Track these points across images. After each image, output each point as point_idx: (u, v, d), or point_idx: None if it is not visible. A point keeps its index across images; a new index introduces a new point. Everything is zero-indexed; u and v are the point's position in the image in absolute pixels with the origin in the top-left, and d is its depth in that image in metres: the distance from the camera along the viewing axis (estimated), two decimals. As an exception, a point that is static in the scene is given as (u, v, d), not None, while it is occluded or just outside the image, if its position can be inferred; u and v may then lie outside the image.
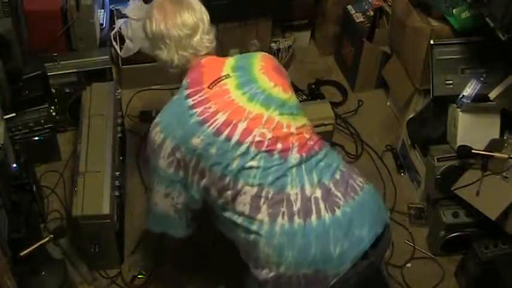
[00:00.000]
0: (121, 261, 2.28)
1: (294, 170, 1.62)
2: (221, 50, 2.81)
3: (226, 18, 2.74)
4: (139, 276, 2.23)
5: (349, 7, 2.92)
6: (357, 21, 2.87)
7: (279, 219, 1.58)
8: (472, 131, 2.27)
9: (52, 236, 1.93)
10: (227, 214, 1.68)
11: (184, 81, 1.76)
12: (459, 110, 2.27)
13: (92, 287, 2.22)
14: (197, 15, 1.77)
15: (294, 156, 1.63)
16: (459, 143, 2.24)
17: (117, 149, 2.33)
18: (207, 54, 1.79)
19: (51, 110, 2.52)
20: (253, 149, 1.62)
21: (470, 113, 2.27)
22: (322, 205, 1.59)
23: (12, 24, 2.27)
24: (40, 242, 1.88)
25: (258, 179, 1.61)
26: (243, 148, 1.62)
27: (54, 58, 2.56)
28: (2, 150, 1.90)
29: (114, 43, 2.89)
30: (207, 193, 1.70)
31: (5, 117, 2.11)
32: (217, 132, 1.63)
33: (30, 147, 2.38)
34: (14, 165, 2.07)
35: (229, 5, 2.69)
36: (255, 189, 1.61)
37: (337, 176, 1.65)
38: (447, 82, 2.29)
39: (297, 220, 1.57)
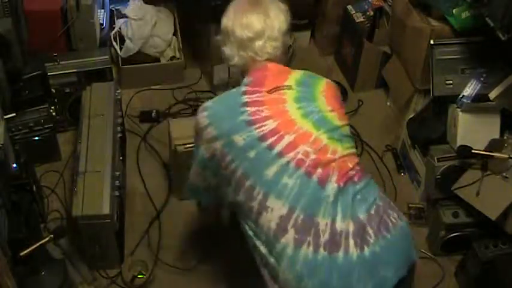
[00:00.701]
0: (121, 261, 2.28)
1: (329, 199, 1.55)
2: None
3: (226, 18, 2.74)
4: (139, 276, 2.23)
5: (349, 7, 2.92)
6: (357, 21, 2.87)
7: (304, 248, 1.52)
8: (472, 131, 2.27)
9: (52, 236, 1.93)
10: (250, 223, 1.63)
11: (246, 79, 1.74)
12: (459, 110, 2.27)
13: (92, 287, 2.22)
14: (268, 21, 1.74)
15: (331, 185, 1.56)
16: (459, 143, 2.24)
17: (117, 149, 2.33)
18: (268, 60, 1.76)
19: (51, 110, 2.52)
20: (292, 165, 1.57)
21: (470, 113, 2.27)
22: (351, 241, 1.52)
23: (12, 24, 2.27)
24: (40, 242, 1.88)
25: (291, 199, 1.55)
26: (282, 161, 1.57)
27: (54, 58, 2.57)
28: (2, 150, 1.90)
29: (114, 43, 2.89)
30: (235, 193, 1.66)
31: (5, 117, 2.11)
32: (262, 138, 1.59)
33: (30, 147, 2.39)
34: (14, 165, 2.07)
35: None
36: (285, 210, 1.54)
37: (372, 211, 1.58)
38: (447, 82, 2.29)
39: (322, 252, 1.51)
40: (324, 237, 1.52)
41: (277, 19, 1.76)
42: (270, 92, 1.67)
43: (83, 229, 2.09)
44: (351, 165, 1.62)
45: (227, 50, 1.79)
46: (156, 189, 2.56)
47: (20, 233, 1.91)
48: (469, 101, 2.25)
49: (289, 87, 1.69)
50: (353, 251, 1.51)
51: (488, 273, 2.11)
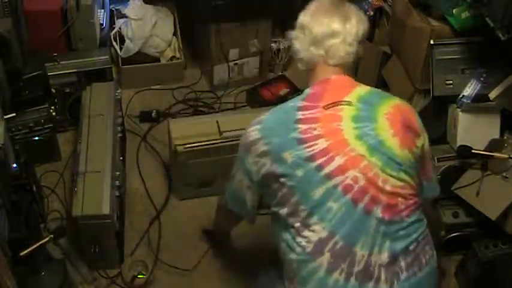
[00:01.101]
0: (121, 261, 2.28)
1: (370, 230, 1.50)
2: (221, 50, 2.84)
3: (226, 18, 2.75)
4: (139, 276, 2.23)
5: (349, 7, 2.92)
6: (357, 21, 2.87)
7: (336, 274, 1.50)
8: (472, 131, 2.27)
9: (52, 236, 1.93)
10: (288, 236, 1.59)
11: (306, 90, 1.69)
12: (459, 110, 2.27)
13: (92, 287, 2.22)
14: (347, 25, 1.68)
15: (376, 216, 1.51)
16: (459, 143, 2.24)
17: (117, 149, 2.33)
18: (337, 65, 1.68)
19: (51, 110, 2.52)
20: (340, 190, 1.50)
21: (470, 113, 2.27)
22: (383, 275, 1.51)
23: (12, 24, 2.27)
24: (40, 242, 1.88)
25: (333, 224, 1.50)
26: (330, 184, 1.51)
27: (54, 58, 2.57)
28: (2, 150, 1.90)
29: (114, 43, 2.89)
30: (279, 206, 1.60)
31: (5, 117, 2.11)
32: (311, 158, 1.53)
33: (30, 147, 2.39)
34: (14, 165, 2.07)
35: (229, 5, 2.69)
36: (325, 233, 1.51)
37: (411, 247, 1.54)
38: (447, 82, 2.29)
39: (353, 282, 1.49)
40: (358, 267, 1.50)
41: (357, 26, 1.69)
42: (326, 107, 1.59)
43: (83, 229, 2.09)
44: (400, 199, 1.54)
45: (297, 44, 1.74)
46: (156, 189, 2.56)
47: (20, 233, 1.90)
48: (469, 101, 2.25)
49: (349, 103, 1.59)
50: (382, 285, 1.50)
51: (488, 273, 2.11)
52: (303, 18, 1.74)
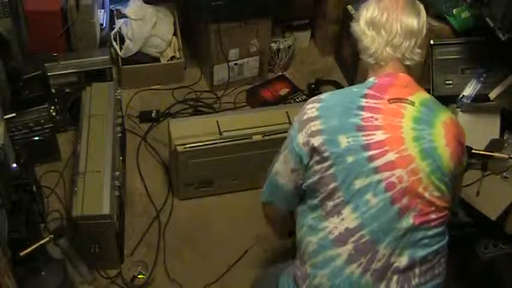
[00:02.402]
0: (121, 261, 2.28)
1: (399, 232, 1.50)
2: (221, 50, 2.84)
3: (226, 18, 2.75)
4: (139, 276, 2.23)
5: (349, 7, 2.92)
6: (357, 21, 2.87)
7: (354, 266, 1.50)
8: (472, 131, 2.26)
9: (52, 236, 1.93)
10: (314, 216, 1.57)
11: (372, 79, 1.63)
12: (459, 110, 2.27)
13: (92, 287, 2.22)
14: (420, 25, 1.64)
15: (407, 220, 1.50)
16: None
17: (117, 149, 2.33)
18: (408, 67, 1.64)
19: (51, 110, 2.52)
20: (382, 186, 1.49)
21: (470, 113, 2.27)
22: (395, 278, 1.51)
23: (12, 24, 2.27)
24: (40, 242, 1.88)
25: (365, 218, 1.50)
26: (375, 178, 1.49)
27: (54, 58, 2.57)
28: (2, 150, 1.90)
29: (114, 43, 2.89)
30: (312, 188, 1.58)
31: (5, 117, 2.10)
32: (366, 147, 1.50)
33: (30, 147, 2.39)
34: (14, 165, 2.07)
35: (229, 5, 2.69)
36: (354, 224, 1.50)
37: (429, 257, 1.55)
38: (447, 82, 2.29)
39: (368, 278, 1.50)
40: (376, 265, 1.50)
41: (424, 25, 1.65)
42: (390, 101, 1.56)
43: (83, 229, 2.09)
44: (435, 209, 1.53)
45: (369, 42, 1.63)
46: (156, 189, 2.56)
47: (20, 233, 1.90)
48: (469, 101, 2.25)
49: (412, 103, 1.56)
50: (393, 285, 1.51)
51: (488, 273, 2.11)
52: (376, 13, 1.62)
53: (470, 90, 2.25)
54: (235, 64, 2.94)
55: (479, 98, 2.24)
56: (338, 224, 1.52)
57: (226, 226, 2.44)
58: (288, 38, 3.08)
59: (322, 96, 1.62)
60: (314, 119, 1.56)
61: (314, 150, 1.54)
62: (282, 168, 1.65)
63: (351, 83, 3.01)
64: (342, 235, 1.51)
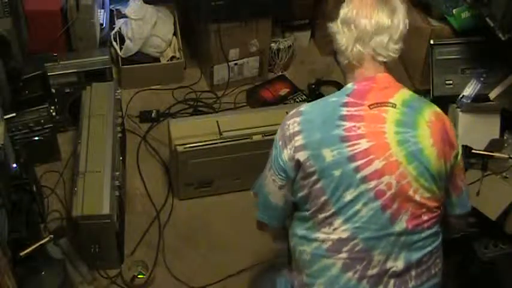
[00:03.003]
0: (121, 261, 2.28)
1: (392, 237, 1.50)
2: (221, 50, 2.84)
3: (226, 18, 2.75)
4: (139, 276, 2.23)
5: (349, 7, 2.92)
6: (357, 21, 2.87)
7: (349, 274, 1.50)
8: (472, 131, 2.27)
9: (52, 236, 1.93)
10: (306, 226, 1.57)
11: (350, 85, 1.59)
12: (459, 110, 2.27)
13: (92, 287, 2.22)
14: (395, 20, 1.57)
15: (400, 225, 1.50)
16: (459, 143, 2.24)
17: (117, 149, 2.33)
18: (384, 64, 1.60)
19: (51, 110, 2.52)
20: (371, 195, 1.48)
21: (470, 113, 2.27)
22: (392, 282, 1.51)
23: (12, 24, 2.27)
24: (40, 242, 1.88)
25: (357, 227, 1.49)
26: (363, 187, 1.48)
27: (54, 58, 2.57)
28: (2, 150, 1.90)
29: (114, 43, 2.89)
30: (302, 201, 1.58)
31: (5, 117, 2.10)
32: (351, 158, 1.48)
33: (30, 147, 2.38)
34: (14, 165, 2.07)
35: (229, 5, 2.69)
36: (346, 234, 1.50)
37: (425, 259, 1.55)
38: (447, 82, 2.29)
39: (364, 284, 1.50)
40: (372, 271, 1.50)
41: (403, 22, 1.59)
42: (371, 106, 1.53)
43: (83, 229, 2.09)
44: (426, 211, 1.53)
45: (342, 39, 1.61)
46: (156, 189, 2.56)
47: (20, 233, 1.90)
48: (469, 101, 2.25)
49: (393, 105, 1.54)
50: None
51: (488, 273, 2.11)
52: (348, 11, 1.61)
53: (470, 90, 2.25)
54: (235, 64, 2.94)
55: (479, 98, 2.24)
56: (330, 235, 1.52)
57: (226, 226, 2.44)
58: (288, 38, 3.08)
59: (302, 108, 1.59)
60: (296, 134, 1.54)
61: (299, 165, 1.53)
62: (271, 187, 1.63)
63: (351, 83, 3.01)
64: (336, 245, 1.51)
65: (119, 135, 2.42)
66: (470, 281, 2.22)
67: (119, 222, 2.22)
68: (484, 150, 2.16)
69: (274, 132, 2.32)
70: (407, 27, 1.61)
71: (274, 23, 2.95)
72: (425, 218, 1.53)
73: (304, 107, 1.59)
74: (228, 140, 2.35)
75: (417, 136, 1.51)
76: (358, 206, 1.49)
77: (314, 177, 1.51)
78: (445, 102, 2.34)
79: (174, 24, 3.01)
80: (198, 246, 2.38)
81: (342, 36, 1.61)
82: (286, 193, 1.61)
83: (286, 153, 1.56)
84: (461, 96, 2.26)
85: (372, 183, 1.48)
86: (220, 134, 2.35)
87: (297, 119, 1.56)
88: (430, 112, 1.57)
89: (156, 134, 2.76)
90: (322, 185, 1.50)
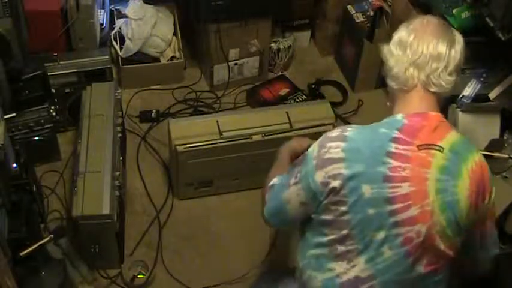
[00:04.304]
0: (121, 261, 2.28)
1: (408, 281, 1.49)
2: (221, 50, 2.84)
3: (226, 18, 2.75)
4: (139, 276, 2.23)
5: (349, 7, 2.92)
6: (357, 21, 2.87)
7: None
8: (472, 131, 2.27)
9: (52, 236, 1.93)
10: (316, 251, 1.54)
11: (399, 117, 1.51)
12: (459, 110, 2.27)
13: (92, 287, 2.22)
14: (452, 51, 1.51)
15: (418, 270, 1.48)
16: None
17: (117, 149, 2.33)
18: (435, 96, 1.52)
19: (51, 110, 2.51)
20: (400, 240, 1.44)
21: (470, 113, 2.27)
22: None
23: (12, 24, 2.27)
24: (40, 242, 1.88)
25: (378, 269, 1.47)
26: (394, 231, 1.44)
27: (54, 58, 2.57)
28: (2, 150, 1.90)
29: (114, 43, 2.89)
30: (322, 224, 1.52)
31: (5, 117, 2.10)
32: (390, 200, 1.42)
33: (30, 147, 2.38)
34: (14, 165, 2.07)
35: (229, 5, 2.69)
36: (366, 274, 1.47)
37: None
38: (447, 82, 2.28)
39: None
40: None
41: (460, 54, 1.53)
42: (420, 147, 1.45)
43: (83, 229, 2.09)
44: (443, 257, 1.51)
45: (394, 62, 1.53)
46: (156, 189, 2.56)
47: (20, 233, 1.90)
48: (469, 101, 2.25)
49: (441, 150, 1.46)
50: None
51: (488, 273, 2.10)
52: (404, 34, 1.54)
53: (470, 90, 2.25)
54: (235, 64, 2.94)
55: (479, 98, 2.24)
56: (348, 270, 1.49)
57: (226, 226, 2.44)
58: (288, 38, 3.08)
59: (348, 133, 1.49)
60: (338, 161, 1.45)
61: (332, 191, 1.46)
62: (292, 199, 1.55)
63: (351, 82, 3.01)
64: (351, 282, 1.49)
65: (119, 135, 2.42)
66: (470, 281, 2.21)
67: (119, 222, 2.22)
68: (484, 150, 2.16)
69: (274, 132, 2.36)
70: (462, 63, 1.55)
71: (274, 23, 2.95)
72: (442, 262, 1.52)
73: (350, 132, 1.50)
74: (228, 140, 2.35)
75: (457, 186, 1.46)
76: (383, 249, 1.46)
77: (345, 208, 1.45)
78: (445, 102, 2.34)
79: (174, 24, 3.01)
80: (198, 246, 2.38)
81: (395, 58, 1.54)
82: (305, 210, 1.55)
83: (320, 176, 1.47)
84: (461, 96, 2.26)
85: (404, 229, 1.44)
86: (220, 134, 2.35)
87: (342, 145, 1.47)
88: (474, 160, 1.51)
89: (156, 134, 2.76)
90: (351, 218, 1.45)
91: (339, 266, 1.50)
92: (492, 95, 2.21)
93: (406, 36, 1.53)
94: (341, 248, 1.49)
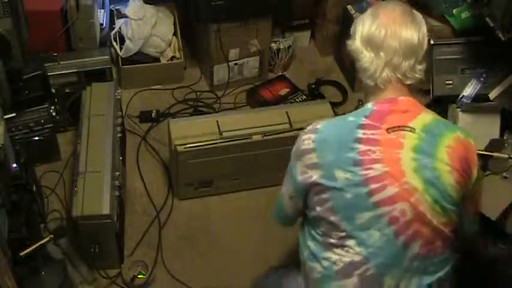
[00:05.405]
0: (121, 261, 2.28)
1: (404, 263, 1.50)
2: (221, 50, 2.84)
3: (226, 18, 2.75)
4: (139, 276, 2.23)
5: (349, 7, 2.92)
6: (357, 21, 2.87)
7: None
8: (472, 131, 2.26)
9: (52, 236, 1.93)
10: (316, 244, 1.57)
11: (369, 105, 1.56)
12: (459, 110, 2.27)
13: (92, 287, 2.22)
14: (420, 37, 1.54)
15: (412, 251, 1.49)
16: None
17: (117, 149, 2.33)
18: (409, 86, 1.56)
19: (51, 110, 2.51)
20: (385, 220, 1.46)
21: (470, 113, 2.27)
22: None
23: (12, 24, 2.27)
24: (40, 242, 1.88)
25: (370, 252, 1.48)
26: (376, 212, 1.46)
27: (54, 58, 2.57)
28: (2, 150, 1.90)
29: (114, 43, 2.89)
30: (314, 221, 1.57)
31: (5, 117, 2.10)
32: (364, 182, 1.46)
33: (30, 147, 2.38)
34: (14, 165, 2.07)
35: (229, 5, 2.69)
36: (359, 257, 1.49)
37: (435, 286, 1.54)
38: (447, 82, 2.28)
39: None
40: None
41: (426, 38, 1.56)
42: (389, 130, 1.49)
43: (83, 229, 2.09)
44: (440, 236, 1.51)
45: (366, 60, 1.56)
46: (156, 189, 2.56)
47: (20, 233, 1.90)
48: (469, 101, 2.25)
49: (412, 130, 1.49)
50: None
51: (488, 273, 2.11)
52: (375, 29, 1.53)
53: (470, 90, 2.25)
54: (235, 64, 2.94)
55: (479, 98, 2.24)
56: (342, 257, 1.51)
57: (226, 226, 2.44)
58: (288, 38, 3.08)
59: (318, 126, 1.56)
60: (309, 152, 1.53)
61: (313, 183, 1.52)
62: (284, 193, 1.65)
63: (351, 82, 3.01)
64: (347, 268, 1.51)
65: (119, 135, 2.42)
66: (470, 280, 2.21)
67: (119, 222, 2.22)
68: (484, 150, 2.16)
69: (274, 132, 2.36)
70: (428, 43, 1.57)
71: (274, 23, 2.95)
72: (438, 243, 1.52)
73: (321, 124, 1.56)
74: (228, 140, 2.35)
75: (434, 162, 1.48)
76: (371, 231, 1.48)
77: (326, 195, 1.50)
78: (445, 102, 2.34)
79: (174, 24, 3.01)
80: (198, 246, 2.38)
81: (368, 59, 1.55)
82: (294, 204, 1.61)
83: (299, 166, 1.55)
84: (461, 96, 2.26)
85: (385, 209, 1.46)
86: (220, 134, 2.35)
87: (312, 136, 1.54)
88: (451, 137, 1.53)
89: (156, 134, 2.76)
90: (333, 204, 1.49)
91: (334, 254, 1.53)
92: (492, 95, 2.21)
93: (376, 32, 1.53)
94: (333, 236, 1.52)
